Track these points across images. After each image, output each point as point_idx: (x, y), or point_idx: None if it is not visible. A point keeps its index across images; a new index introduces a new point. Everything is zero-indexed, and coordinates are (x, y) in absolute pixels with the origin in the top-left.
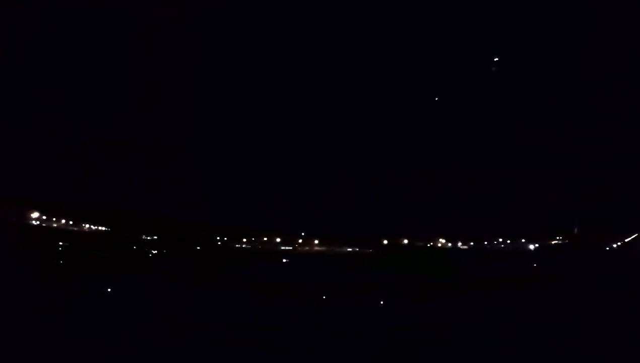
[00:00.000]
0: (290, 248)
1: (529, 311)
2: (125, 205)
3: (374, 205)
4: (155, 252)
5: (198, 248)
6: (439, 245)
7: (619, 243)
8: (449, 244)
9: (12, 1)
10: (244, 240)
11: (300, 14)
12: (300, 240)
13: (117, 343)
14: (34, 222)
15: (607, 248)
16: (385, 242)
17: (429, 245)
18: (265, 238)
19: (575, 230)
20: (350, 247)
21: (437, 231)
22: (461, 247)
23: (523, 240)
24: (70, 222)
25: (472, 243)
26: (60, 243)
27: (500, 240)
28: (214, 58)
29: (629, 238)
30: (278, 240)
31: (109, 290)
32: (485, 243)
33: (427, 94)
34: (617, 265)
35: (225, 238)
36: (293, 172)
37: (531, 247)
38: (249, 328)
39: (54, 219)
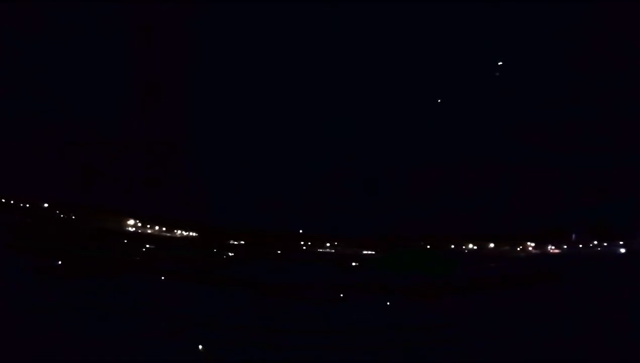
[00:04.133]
0: (291, 248)
1: (529, 311)
2: (125, 205)
3: (374, 206)
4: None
5: (198, 248)
6: (440, 245)
7: (619, 243)
8: (450, 244)
9: (12, 2)
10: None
11: (299, 15)
12: (301, 241)
13: (117, 343)
14: (130, 229)
15: (607, 249)
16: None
17: (429, 245)
18: (265, 239)
19: (575, 231)
20: (351, 247)
21: (438, 231)
22: (461, 247)
23: (524, 241)
24: (164, 229)
25: (472, 244)
26: (147, 245)
27: (501, 240)
28: (214, 58)
29: (629, 239)
30: (278, 240)
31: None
32: (486, 243)
33: (430, 96)
34: (617, 265)
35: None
36: (293, 173)
37: (532, 247)
38: (249, 328)
39: (148, 226)
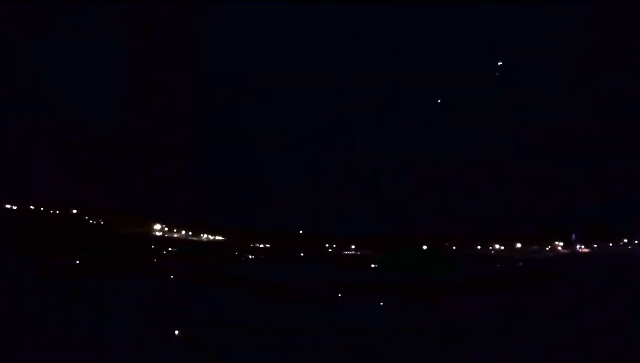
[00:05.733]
0: (291, 248)
1: (529, 311)
2: (125, 205)
3: (374, 206)
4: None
5: (198, 248)
6: (440, 245)
7: (619, 243)
8: (450, 244)
9: (12, 2)
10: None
11: (300, 15)
12: (301, 241)
13: (117, 343)
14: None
15: (607, 249)
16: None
17: (429, 245)
18: (265, 239)
19: (575, 230)
20: (351, 248)
21: (438, 231)
22: (461, 247)
23: (524, 241)
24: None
25: (472, 244)
26: (170, 248)
27: (501, 240)
28: (214, 58)
29: (629, 239)
30: (278, 240)
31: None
32: (486, 243)
33: (430, 96)
34: (617, 265)
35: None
36: (293, 173)
37: (532, 247)
38: (249, 328)
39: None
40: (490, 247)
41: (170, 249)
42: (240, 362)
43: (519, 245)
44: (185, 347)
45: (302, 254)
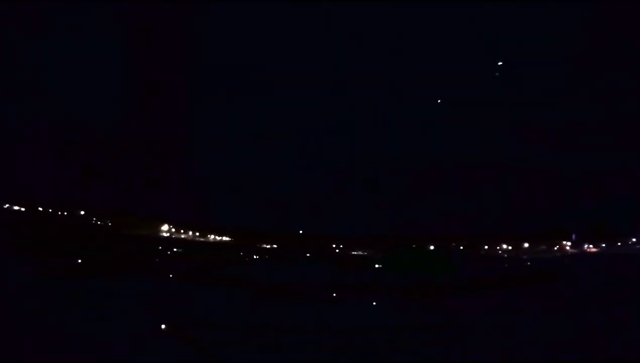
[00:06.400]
0: (292, 248)
1: (529, 311)
2: (125, 206)
3: (374, 206)
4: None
5: (198, 248)
6: (440, 245)
7: (619, 243)
8: (450, 244)
9: (12, 2)
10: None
11: (301, 15)
12: (301, 241)
13: (117, 343)
14: (157, 234)
15: (607, 249)
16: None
17: (429, 245)
18: (265, 238)
19: (575, 230)
20: (351, 247)
21: (437, 232)
22: (461, 247)
23: (524, 241)
24: (164, 229)
25: (472, 244)
26: (170, 249)
27: (501, 240)
28: (214, 58)
29: (629, 238)
30: (278, 240)
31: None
32: (486, 243)
33: (430, 96)
34: (617, 265)
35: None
36: (294, 173)
37: (532, 247)
38: (249, 328)
39: (182, 231)
40: (490, 247)
41: (170, 249)
42: (240, 362)
43: (519, 245)
44: (185, 347)
45: (303, 254)
